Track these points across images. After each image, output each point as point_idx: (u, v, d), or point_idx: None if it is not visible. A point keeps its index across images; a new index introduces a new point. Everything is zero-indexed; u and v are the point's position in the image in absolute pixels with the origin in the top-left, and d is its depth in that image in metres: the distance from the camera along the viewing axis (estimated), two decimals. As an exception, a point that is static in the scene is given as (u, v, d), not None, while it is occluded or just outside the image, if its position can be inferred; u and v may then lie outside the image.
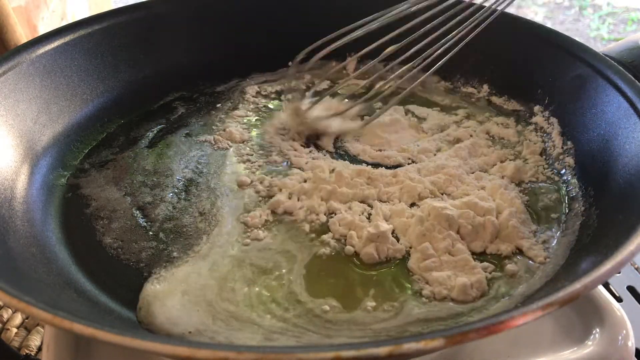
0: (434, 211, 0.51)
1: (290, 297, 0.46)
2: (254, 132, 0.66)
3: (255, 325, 0.44)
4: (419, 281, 0.48)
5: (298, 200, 0.56)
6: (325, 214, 0.54)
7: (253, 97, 0.72)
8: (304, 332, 0.43)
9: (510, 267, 0.49)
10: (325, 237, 0.52)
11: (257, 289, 0.47)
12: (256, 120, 0.68)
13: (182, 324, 0.44)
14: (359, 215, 0.54)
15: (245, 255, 0.50)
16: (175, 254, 0.50)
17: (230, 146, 0.63)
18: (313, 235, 0.52)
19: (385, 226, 0.51)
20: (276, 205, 0.55)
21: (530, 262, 0.50)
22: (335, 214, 0.54)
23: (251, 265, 0.49)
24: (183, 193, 0.57)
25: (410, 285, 0.47)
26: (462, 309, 0.46)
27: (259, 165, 0.60)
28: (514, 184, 0.58)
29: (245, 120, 0.68)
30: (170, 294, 0.46)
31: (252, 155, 0.62)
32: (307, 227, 0.53)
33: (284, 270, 0.48)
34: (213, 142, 0.64)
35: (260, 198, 0.56)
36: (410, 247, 0.51)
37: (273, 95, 0.72)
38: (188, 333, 0.43)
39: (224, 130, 0.65)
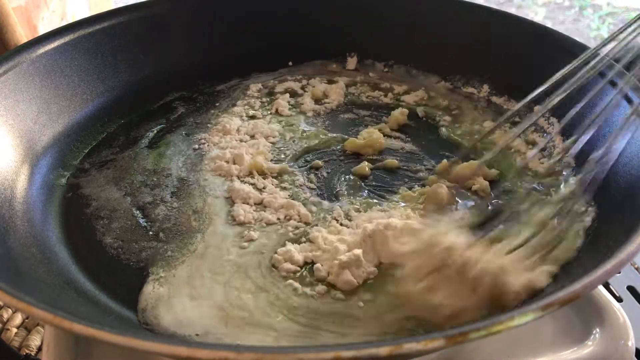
0: (406, 227, 0.48)
1: (311, 302, 0.45)
2: (246, 123, 0.66)
3: (270, 329, 0.43)
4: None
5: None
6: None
7: (256, 93, 0.72)
8: (319, 334, 0.43)
9: None
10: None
11: (269, 296, 0.46)
12: (254, 112, 0.68)
13: (191, 327, 0.43)
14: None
15: (246, 260, 0.49)
16: (169, 253, 0.50)
17: (223, 140, 0.63)
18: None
19: (357, 251, 0.48)
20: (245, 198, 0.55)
21: None
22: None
23: (259, 270, 0.48)
24: (179, 192, 0.57)
25: None
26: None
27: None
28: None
29: (243, 114, 0.68)
30: (176, 296, 0.46)
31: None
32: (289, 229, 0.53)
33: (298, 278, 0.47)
34: (207, 139, 0.64)
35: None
36: (380, 264, 0.48)
37: (275, 93, 0.72)
38: (195, 335, 0.43)
39: (219, 125, 0.65)
